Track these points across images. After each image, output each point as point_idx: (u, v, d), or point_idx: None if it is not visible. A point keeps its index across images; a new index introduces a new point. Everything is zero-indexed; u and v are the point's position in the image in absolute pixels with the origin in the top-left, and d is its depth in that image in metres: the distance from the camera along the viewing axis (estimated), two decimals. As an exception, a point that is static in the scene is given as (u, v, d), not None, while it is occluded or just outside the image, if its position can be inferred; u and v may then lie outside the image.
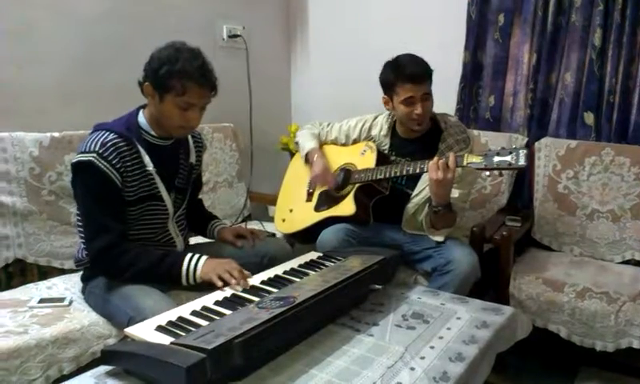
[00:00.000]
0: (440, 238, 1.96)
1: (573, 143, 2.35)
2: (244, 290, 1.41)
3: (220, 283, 1.43)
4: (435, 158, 1.74)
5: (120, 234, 1.51)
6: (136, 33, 2.35)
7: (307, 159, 2.20)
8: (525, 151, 1.63)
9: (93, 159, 1.46)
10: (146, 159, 1.56)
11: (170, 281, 1.54)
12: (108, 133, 1.51)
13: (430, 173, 1.74)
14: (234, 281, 1.43)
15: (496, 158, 1.66)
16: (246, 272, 1.49)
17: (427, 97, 1.91)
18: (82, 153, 1.49)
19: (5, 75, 1.99)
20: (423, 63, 1.90)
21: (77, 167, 1.50)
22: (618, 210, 2.24)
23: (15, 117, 2.00)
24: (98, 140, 1.49)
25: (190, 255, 1.54)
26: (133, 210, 1.58)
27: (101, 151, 1.47)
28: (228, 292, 1.40)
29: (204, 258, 1.54)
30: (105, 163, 1.47)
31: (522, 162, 1.62)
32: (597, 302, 1.88)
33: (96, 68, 2.27)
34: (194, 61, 1.51)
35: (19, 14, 2.02)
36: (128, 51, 2.30)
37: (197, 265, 1.52)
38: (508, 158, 1.64)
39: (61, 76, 2.16)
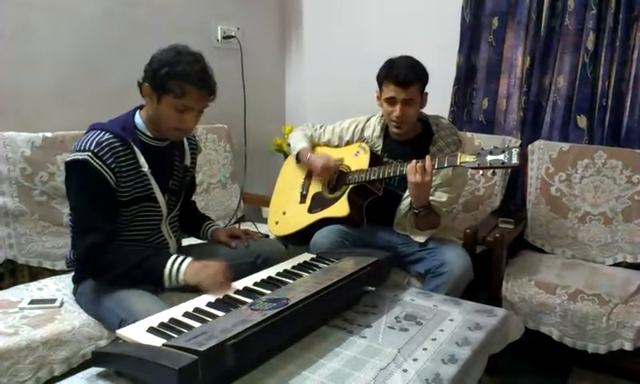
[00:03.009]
0: (422, 239, 1.97)
1: (565, 146, 2.37)
2: (235, 292, 1.41)
3: (206, 288, 1.41)
4: (413, 161, 1.75)
5: (107, 234, 1.49)
6: (131, 34, 2.35)
7: (298, 159, 2.20)
8: (517, 150, 1.64)
9: (88, 158, 1.46)
10: (141, 160, 1.55)
11: (153, 282, 1.51)
12: (104, 132, 1.51)
13: (408, 176, 1.76)
14: (215, 286, 1.41)
15: (489, 157, 1.67)
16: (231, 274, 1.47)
17: (410, 102, 1.90)
18: (77, 151, 1.48)
19: (1, 76, 1.98)
20: (414, 69, 1.89)
21: (71, 166, 1.49)
22: (609, 212, 2.25)
23: (11, 117, 1.99)
24: (94, 139, 1.48)
25: (173, 257, 1.51)
26: (126, 210, 1.57)
27: (96, 150, 1.46)
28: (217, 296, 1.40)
29: (188, 260, 1.50)
30: (99, 163, 1.46)
31: (514, 160, 1.63)
32: (589, 304, 1.89)
33: (92, 69, 2.26)
34: (195, 64, 1.50)
35: (16, 15, 2.01)
36: (123, 52, 2.30)
37: (180, 267, 1.48)
38: (501, 157, 1.65)
39: (57, 77, 2.15)
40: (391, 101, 1.91)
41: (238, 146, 2.76)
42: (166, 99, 1.50)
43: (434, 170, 1.77)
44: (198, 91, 1.51)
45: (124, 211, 1.56)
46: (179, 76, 1.47)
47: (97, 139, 1.48)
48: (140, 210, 1.60)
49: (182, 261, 1.50)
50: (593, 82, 2.33)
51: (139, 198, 1.58)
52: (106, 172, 1.47)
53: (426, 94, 1.96)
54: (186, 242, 1.91)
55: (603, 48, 2.29)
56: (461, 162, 1.71)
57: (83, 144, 1.48)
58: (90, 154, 1.46)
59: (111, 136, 1.51)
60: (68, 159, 1.50)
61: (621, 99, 2.31)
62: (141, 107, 1.62)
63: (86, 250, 1.48)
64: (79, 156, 1.47)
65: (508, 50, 2.56)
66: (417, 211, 1.85)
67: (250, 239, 1.85)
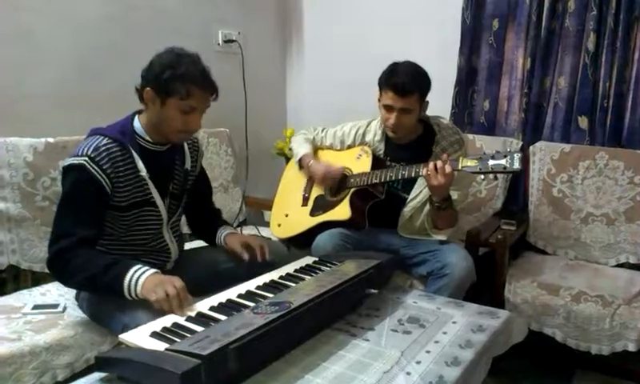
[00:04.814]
0: (443, 237, 1.96)
1: (567, 147, 2.36)
2: (238, 296, 1.41)
3: (158, 306, 1.32)
4: (431, 165, 1.74)
5: (80, 239, 1.44)
6: (132, 38, 2.36)
7: (301, 165, 2.20)
8: (519, 155, 1.64)
9: (84, 162, 1.46)
10: (140, 164, 1.55)
11: (115, 293, 1.41)
12: (102, 137, 1.51)
13: (429, 180, 1.75)
14: (166, 306, 1.31)
15: (491, 162, 1.66)
16: (188, 296, 1.36)
17: (407, 112, 1.89)
18: (75, 156, 1.48)
19: (3, 80, 1.99)
20: (415, 78, 1.87)
21: (67, 170, 1.49)
22: (612, 213, 2.25)
23: (14, 122, 1.99)
24: (91, 144, 1.49)
25: (135, 268, 1.42)
26: (126, 215, 1.56)
27: (93, 155, 1.47)
28: (224, 297, 1.40)
29: (148, 272, 1.41)
30: (96, 168, 1.46)
31: (516, 165, 1.62)
32: (592, 306, 1.88)
33: (93, 74, 2.27)
34: (197, 65, 1.52)
35: (17, 19, 2.02)
36: (124, 57, 2.30)
37: (138, 280, 1.39)
38: (503, 162, 1.64)
39: (58, 82, 2.16)
40: (388, 108, 1.91)
41: (239, 150, 2.76)
42: (171, 102, 1.50)
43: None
44: (203, 91, 1.52)
45: (123, 216, 1.56)
46: (183, 77, 1.48)
47: (94, 144, 1.49)
48: (140, 215, 1.59)
49: (143, 272, 1.41)
50: (594, 83, 2.33)
51: (138, 202, 1.57)
52: (102, 177, 1.47)
53: (427, 102, 1.95)
54: (187, 245, 1.91)
55: (604, 49, 2.29)
56: (462, 167, 1.71)
57: (81, 149, 1.49)
58: (86, 158, 1.46)
59: (109, 141, 1.51)
60: (65, 163, 1.50)
61: (622, 100, 2.30)
62: (139, 112, 1.62)
63: (53, 255, 1.45)
64: (76, 161, 1.47)
65: (509, 51, 2.56)
66: (439, 205, 1.84)
67: (264, 255, 1.70)
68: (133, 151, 1.54)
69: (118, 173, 1.51)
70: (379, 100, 1.98)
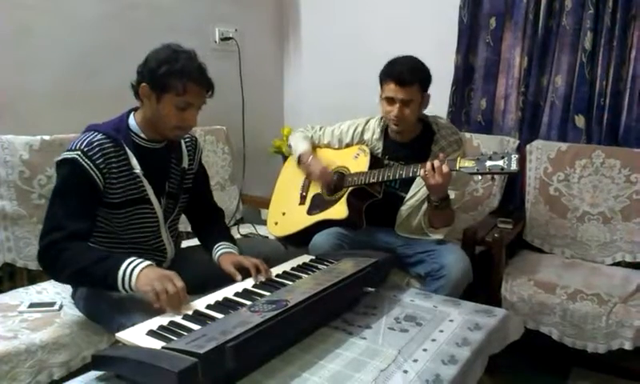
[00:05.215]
0: (440, 236, 1.97)
1: (564, 146, 2.37)
2: (235, 294, 1.40)
3: (157, 305, 1.29)
4: (428, 165, 1.74)
5: (71, 232, 1.41)
6: (130, 36, 2.35)
7: (300, 161, 2.19)
8: (517, 156, 1.64)
9: (76, 157, 1.45)
10: (134, 161, 1.54)
11: (107, 286, 1.39)
12: (96, 133, 1.51)
13: (427, 180, 1.75)
14: (164, 303, 1.29)
15: (488, 163, 1.66)
16: (187, 297, 1.34)
17: (408, 103, 1.90)
18: (68, 150, 1.48)
19: (0, 78, 1.98)
20: (415, 70, 1.89)
21: (60, 163, 1.49)
22: (608, 211, 2.25)
23: (10, 120, 1.99)
24: (85, 139, 1.49)
25: (128, 260, 1.38)
26: (120, 212, 1.56)
27: (86, 150, 1.46)
28: (219, 296, 1.39)
29: (143, 264, 1.38)
30: (88, 162, 1.46)
31: (514, 166, 1.63)
32: (588, 304, 1.89)
33: (91, 72, 2.26)
34: (193, 61, 1.52)
35: (15, 18, 2.01)
36: (122, 55, 2.29)
37: (133, 272, 1.36)
38: (500, 163, 1.65)
39: (56, 80, 2.15)
40: (390, 100, 1.92)
41: (236, 148, 2.75)
42: (167, 97, 1.50)
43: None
44: (199, 87, 1.52)
45: (117, 213, 1.56)
46: (180, 73, 1.47)
47: (88, 139, 1.49)
48: (135, 213, 1.59)
49: (138, 264, 1.38)
50: (590, 81, 2.33)
51: (133, 200, 1.57)
52: (94, 172, 1.47)
53: (428, 95, 1.96)
54: (185, 243, 1.91)
55: (601, 48, 2.29)
56: (460, 167, 1.71)
57: (75, 144, 1.49)
58: (79, 152, 1.46)
59: (103, 137, 1.51)
60: (58, 158, 1.50)
61: (618, 98, 2.31)
62: (135, 109, 1.62)
63: (44, 247, 1.43)
64: (68, 155, 1.47)
65: (506, 50, 2.56)
66: (437, 204, 1.84)
67: (260, 276, 1.55)
68: (127, 148, 1.54)
69: (111, 169, 1.50)
70: (380, 96, 1.98)
